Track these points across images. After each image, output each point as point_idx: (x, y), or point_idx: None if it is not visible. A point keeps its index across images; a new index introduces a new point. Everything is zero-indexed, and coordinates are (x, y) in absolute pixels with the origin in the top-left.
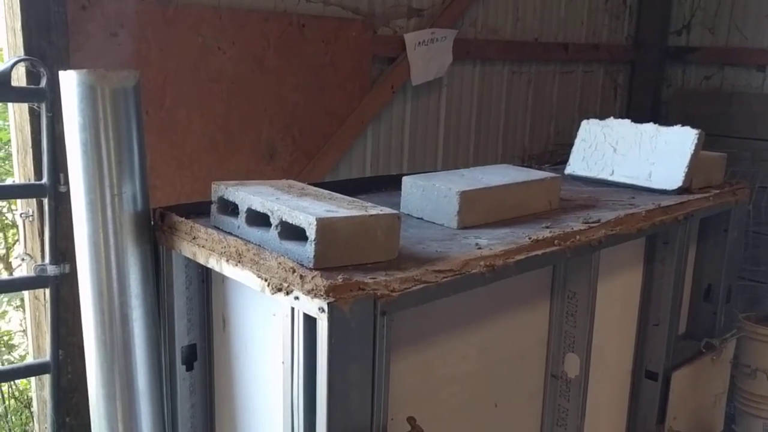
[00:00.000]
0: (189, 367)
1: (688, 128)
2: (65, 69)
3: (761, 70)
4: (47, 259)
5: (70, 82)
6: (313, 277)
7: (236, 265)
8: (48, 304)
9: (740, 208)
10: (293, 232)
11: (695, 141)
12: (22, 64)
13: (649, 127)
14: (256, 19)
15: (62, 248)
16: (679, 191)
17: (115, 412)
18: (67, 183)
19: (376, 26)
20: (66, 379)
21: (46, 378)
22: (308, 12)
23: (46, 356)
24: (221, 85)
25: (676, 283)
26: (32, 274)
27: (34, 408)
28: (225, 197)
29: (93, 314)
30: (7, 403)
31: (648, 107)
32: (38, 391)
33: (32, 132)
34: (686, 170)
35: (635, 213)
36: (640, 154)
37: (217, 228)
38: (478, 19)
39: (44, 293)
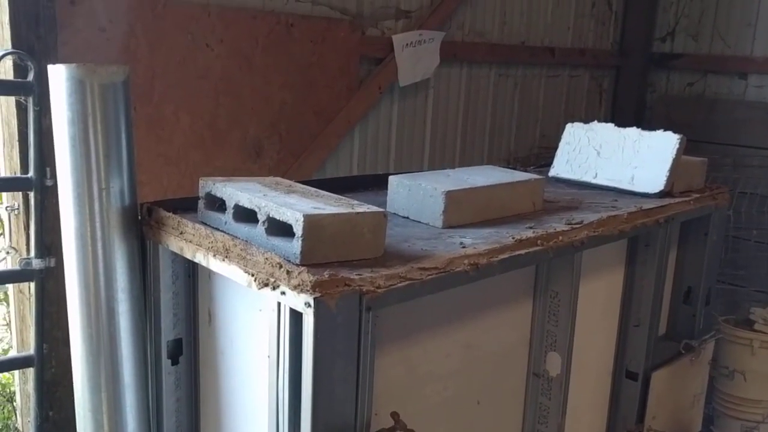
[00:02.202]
0: (174, 362)
1: (670, 133)
2: (53, 63)
3: (743, 77)
4: (32, 253)
5: (59, 76)
6: (299, 273)
7: (223, 260)
8: (32, 298)
9: (720, 213)
10: (280, 229)
11: (677, 146)
12: (10, 57)
13: (632, 132)
14: (244, 18)
15: (47, 242)
16: (661, 195)
17: (101, 405)
18: (53, 177)
19: (364, 27)
20: (50, 372)
21: (30, 372)
22: (296, 11)
23: (30, 350)
24: (209, 82)
25: (657, 284)
26: (17, 267)
27: (17, 402)
28: (212, 193)
29: (79, 307)
30: None
31: (632, 112)
32: (21, 384)
33: (19, 125)
34: (668, 174)
35: (617, 215)
36: (623, 158)
37: (204, 223)
38: (465, 21)
39: (29, 287)
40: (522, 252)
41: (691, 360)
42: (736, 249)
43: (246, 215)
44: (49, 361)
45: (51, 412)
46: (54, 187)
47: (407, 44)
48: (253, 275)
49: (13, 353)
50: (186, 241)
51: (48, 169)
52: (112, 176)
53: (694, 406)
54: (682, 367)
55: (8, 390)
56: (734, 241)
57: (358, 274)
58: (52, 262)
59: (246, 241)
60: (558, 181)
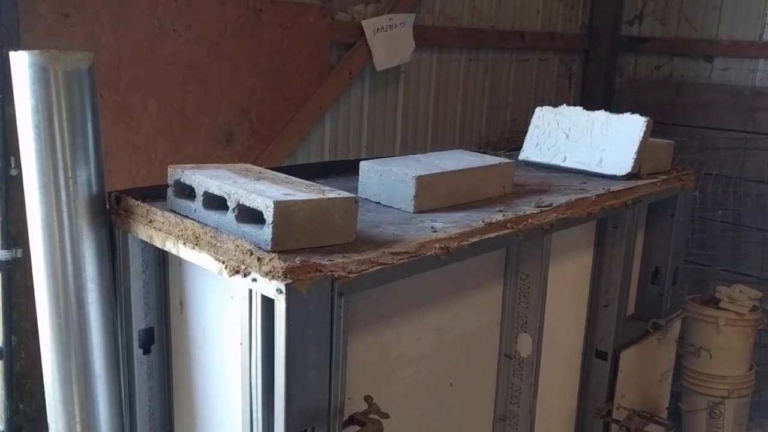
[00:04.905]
0: (146, 351)
1: (637, 116)
2: (15, 50)
3: (709, 60)
4: None
5: (21, 63)
6: (270, 259)
7: (193, 248)
8: (0, 290)
9: (686, 194)
10: (250, 215)
11: (644, 128)
12: None
13: (601, 115)
14: (212, 3)
15: (14, 232)
16: (629, 177)
17: (72, 396)
18: (18, 166)
19: (334, 12)
20: (19, 365)
21: None
22: None
23: None
24: (177, 68)
25: (625, 265)
26: None
27: None
28: (181, 180)
29: (48, 298)
30: None
31: (601, 95)
32: None
33: None
34: (635, 156)
35: (586, 198)
36: (592, 141)
37: (173, 211)
38: (435, 5)
39: None
40: (492, 235)
41: (658, 338)
42: (702, 229)
43: (216, 202)
44: (18, 353)
45: (21, 404)
46: (19, 177)
47: (378, 29)
48: (223, 263)
49: None
50: (155, 230)
51: (12, 158)
52: (79, 165)
53: (662, 384)
54: (650, 345)
55: None
56: (700, 222)
57: (330, 260)
58: (19, 253)
59: (216, 228)
60: (528, 164)
